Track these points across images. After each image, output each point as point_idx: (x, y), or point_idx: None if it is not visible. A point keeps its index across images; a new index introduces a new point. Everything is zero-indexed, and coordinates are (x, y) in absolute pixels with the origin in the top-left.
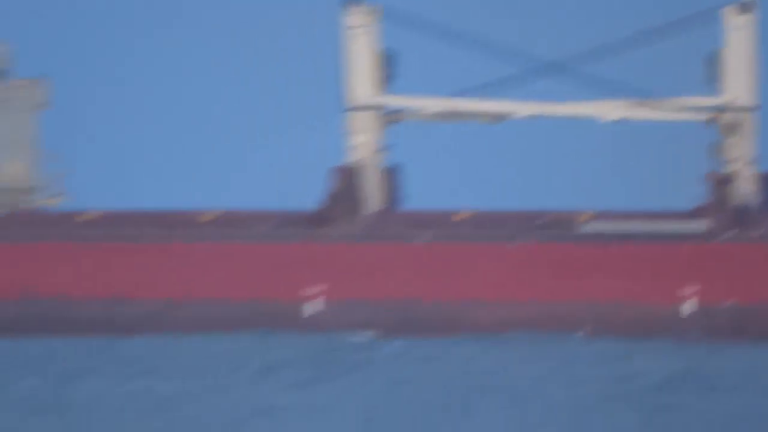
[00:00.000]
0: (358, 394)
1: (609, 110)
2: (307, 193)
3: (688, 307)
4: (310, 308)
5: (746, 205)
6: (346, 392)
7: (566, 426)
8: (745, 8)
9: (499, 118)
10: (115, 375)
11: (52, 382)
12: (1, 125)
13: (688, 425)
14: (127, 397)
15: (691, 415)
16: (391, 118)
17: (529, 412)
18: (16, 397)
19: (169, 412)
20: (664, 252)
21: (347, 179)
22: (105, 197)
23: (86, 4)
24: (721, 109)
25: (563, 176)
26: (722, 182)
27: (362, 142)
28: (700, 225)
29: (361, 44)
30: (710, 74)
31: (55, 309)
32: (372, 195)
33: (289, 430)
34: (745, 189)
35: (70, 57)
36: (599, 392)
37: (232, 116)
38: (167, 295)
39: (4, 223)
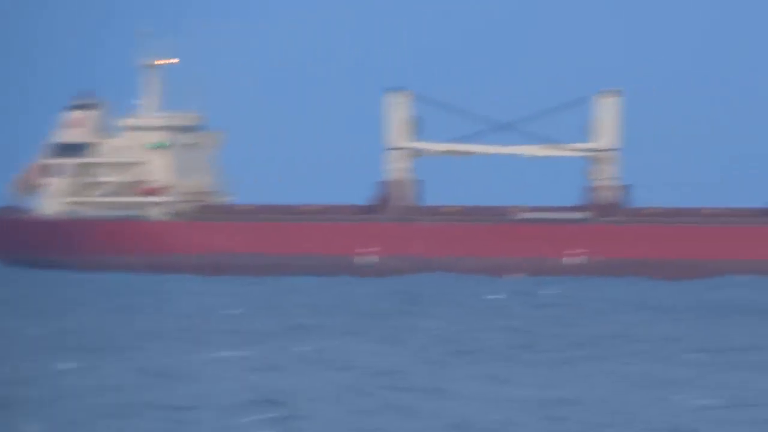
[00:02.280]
0: None
1: (530, 150)
2: (359, 195)
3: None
4: (365, 260)
5: (612, 203)
6: None
7: None
8: (610, 93)
9: (468, 154)
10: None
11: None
12: (195, 159)
13: None
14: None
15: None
16: (414, 153)
17: None
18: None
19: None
20: (556, 228)
21: (386, 188)
22: (252, 196)
23: None
24: (594, 150)
25: (504, 185)
26: (598, 190)
27: (395, 167)
28: (582, 214)
29: (396, 111)
30: (589, 130)
31: (228, 259)
32: (402, 197)
33: None
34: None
35: None
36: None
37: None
38: (285, 252)
39: (201, 211)
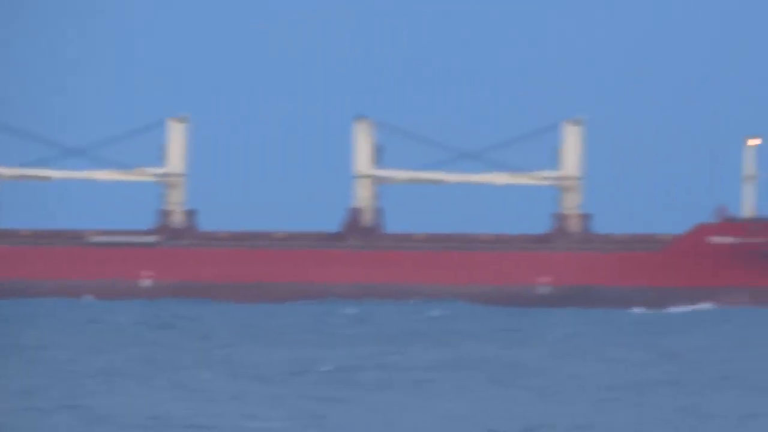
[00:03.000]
0: None
1: (107, 175)
2: None
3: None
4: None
5: (182, 227)
6: None
7: None
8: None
9: (45, 179)
10: None
11: None
12: None
13: None
14: None
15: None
16: None
17: None
18: None
19: None
20: (127, 251)
21: None
22: None
23: None
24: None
25: (82, 209)
26: (168, 214)
27: None
28: (152, 238)
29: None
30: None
31: None
32: None
33: None
34: None
35: None
36: None
37: None
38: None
39: None
